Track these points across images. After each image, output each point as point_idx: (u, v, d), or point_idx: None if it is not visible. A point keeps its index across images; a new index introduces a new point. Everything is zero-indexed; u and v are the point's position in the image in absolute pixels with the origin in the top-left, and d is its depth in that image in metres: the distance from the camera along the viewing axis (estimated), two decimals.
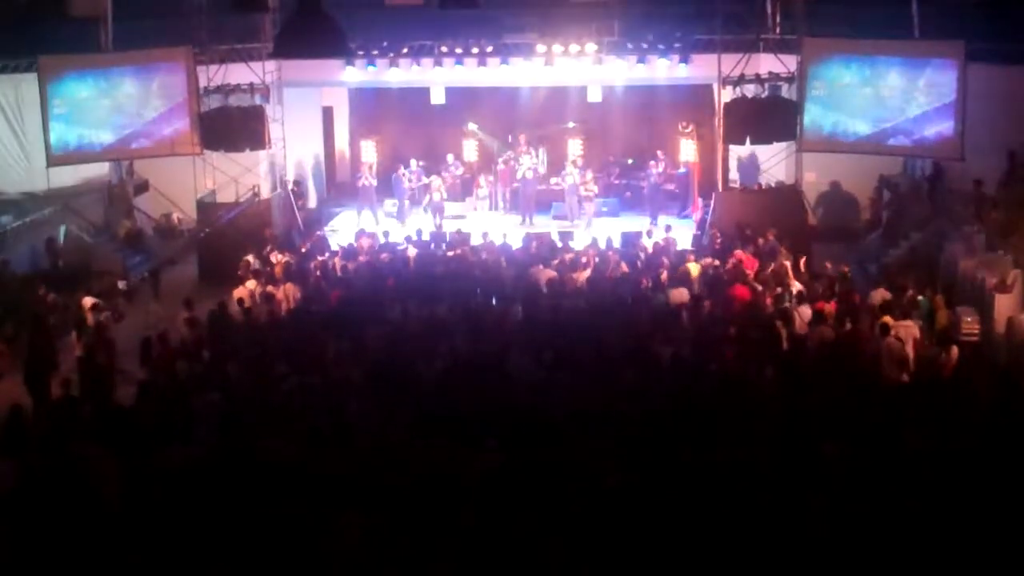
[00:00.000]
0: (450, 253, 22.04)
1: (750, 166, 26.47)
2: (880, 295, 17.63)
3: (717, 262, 20.68)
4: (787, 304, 17.74)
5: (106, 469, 11.43)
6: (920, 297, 17.73)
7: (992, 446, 11.97)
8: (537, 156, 29.30)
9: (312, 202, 29.67)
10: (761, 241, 21.64)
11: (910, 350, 15.59)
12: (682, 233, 24.35)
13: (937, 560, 9.57)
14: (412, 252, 22.26)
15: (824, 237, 24.42)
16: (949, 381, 14.77)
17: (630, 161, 29.51)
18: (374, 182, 28.14)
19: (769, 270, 19.89)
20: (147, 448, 12.11)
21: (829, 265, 19.91)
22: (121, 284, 21.53)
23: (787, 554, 9.60)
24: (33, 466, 11.73)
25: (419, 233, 24.39)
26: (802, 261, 20.32)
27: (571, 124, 29.95)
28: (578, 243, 23.33)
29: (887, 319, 15.90)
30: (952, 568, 9.52)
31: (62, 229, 23.72)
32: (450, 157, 29.68)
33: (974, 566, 9.52)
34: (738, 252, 20.91)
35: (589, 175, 27.67)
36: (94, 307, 18.17)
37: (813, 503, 10.37)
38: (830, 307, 17.28)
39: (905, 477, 11.00)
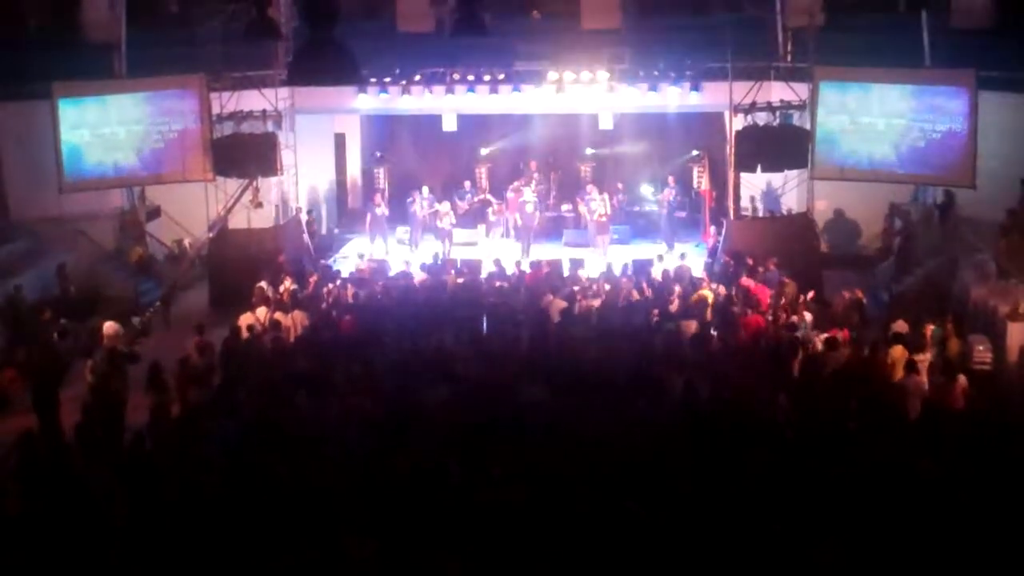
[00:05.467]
0: (460, 280, 22.03)
1: (763, 194, 26.45)
2: (900, 326, 17.52)
3: (724, 290, 20.64)
4: (800, 332, 17.72)
5: (115, 496, 11.44)
6: (933, 327, 17.66)
7: (1002, 476, 11.91)
8: (549, 183, 29.33)
9: (324, 228, 29.68)
10: (761, 270, 21.59)
11: (925, 383, 15.57)
12: (696, 260, 24.26)
13: None
14: (421, 279, 22.26)
15: (836, 265, 24.37)
16: (960, 412, 14.67)
17: (650, 190, 29.44)
18: (386, 211, 28.18)
19: (782, 298, 19.86)
20: (157, 476, 12.10)
21: (847, 294, 19.82)
22: (135, 320, 21.49)
23: None
24: (42, 491, 11.74)
25: (435, 258, 24.44)
26: (810, 293, 20.16)
27: (589, 151, 30.01)
28: (589, 270, 23.33)
29: (913, 357, 15.80)
30: None
31: None
32: (467, 184, 29.70)
33: None
34: (745, 280, 20.88)
35: (597, 195, 27.66)
36: (117, 336, 18.25)
37: (825, 532, 10.33)
38: (843, 335, 17.22)
39: (917, 507, 10.95)
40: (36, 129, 23.99)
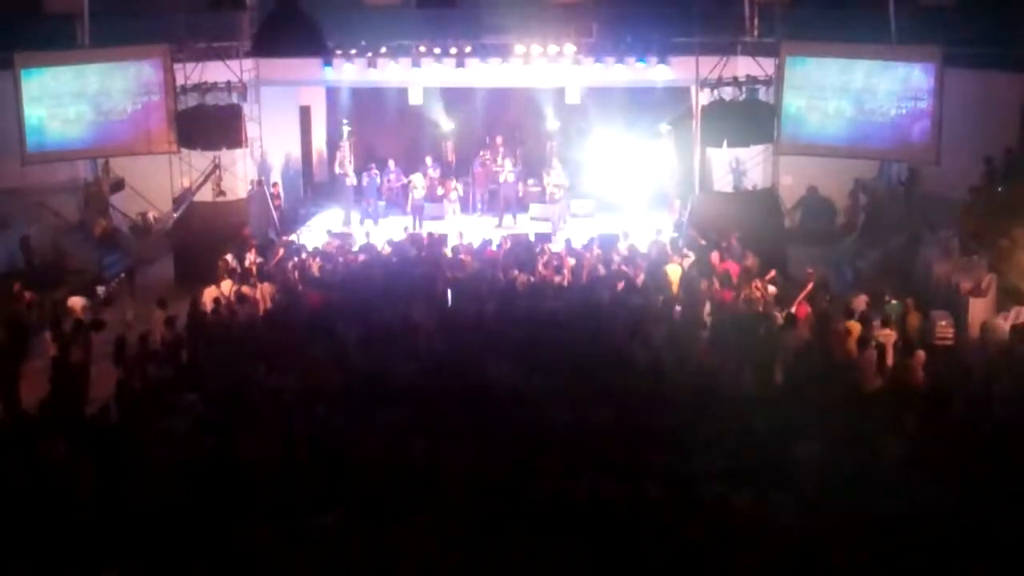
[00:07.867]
0: (426, 254, 21.99)
1: (728, 169, 26.49)
2: (862, 301, 17.63)
3: (688, 265, 20.66)
4: (762, 307, 17.80)
5: (79, 471, 11.38)
6: (893, 301, 17.77)
7: (963, 450, 12.05)
8: (515, 158, 29.30)
9: (289, 201, 29.53)
10: (724, 245, 21.60)
11: (889, 358, 15.67)
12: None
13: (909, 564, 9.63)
14: (388, 253, 22.21)
15: (800, 241, 24.46)
16: (919, 386, 14.79)
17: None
18: (355, 181, 28.11)
19: (740, 272, 19.93)
20: (122, 450, 12.06)
21: (811, 270, 19.89)
22: (100, 290, 21.31)
23: (759, 558, 9.65)
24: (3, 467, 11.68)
25: (406, 230, 24.40)
26: (771, 273, 20.16)
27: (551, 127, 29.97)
28: (556, 244, 23.34)
29: (866, 331, 15.91)
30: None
31: None
32: (428, 159, 29.53)
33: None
34: (713, 256, 20.90)
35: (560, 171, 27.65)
36: (83, 309, 18.10)
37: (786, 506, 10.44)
38: (806, 310, 17.31)
39: (876, 480, 11.06)
40: None
